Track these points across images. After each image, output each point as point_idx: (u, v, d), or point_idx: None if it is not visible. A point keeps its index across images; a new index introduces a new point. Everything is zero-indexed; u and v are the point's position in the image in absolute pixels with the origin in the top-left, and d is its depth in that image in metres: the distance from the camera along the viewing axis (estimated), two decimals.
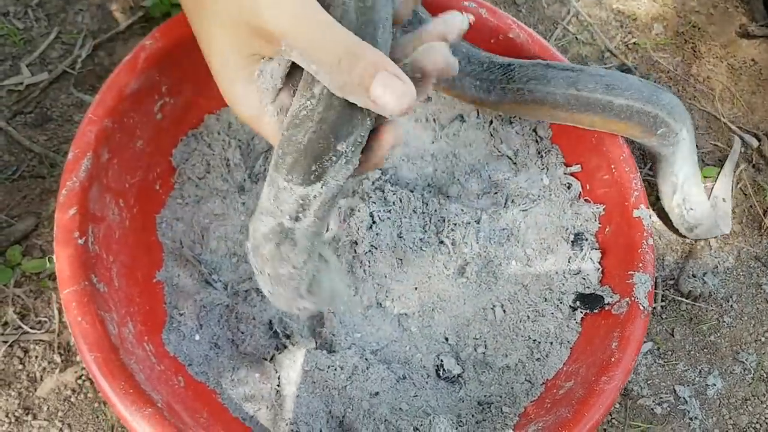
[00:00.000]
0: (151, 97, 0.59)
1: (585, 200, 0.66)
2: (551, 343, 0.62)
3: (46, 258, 0.68)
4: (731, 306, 0.76)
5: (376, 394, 0.60)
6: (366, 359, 0.62)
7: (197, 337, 0.62)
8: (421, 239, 0.65)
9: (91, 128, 0.54)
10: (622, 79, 0.60)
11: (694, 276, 0.75)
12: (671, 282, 0.76)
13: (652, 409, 0.70)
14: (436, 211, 0.66)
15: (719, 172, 0.81)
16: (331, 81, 0.35)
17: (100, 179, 0.54)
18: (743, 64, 0.91)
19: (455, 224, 0.65)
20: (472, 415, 0.59)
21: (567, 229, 0.65)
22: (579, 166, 0.66)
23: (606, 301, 0.59)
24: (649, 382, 0.72)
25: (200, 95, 0.65)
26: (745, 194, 0.83)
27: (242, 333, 0.62)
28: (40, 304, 0.67)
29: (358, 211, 0.64)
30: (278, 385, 0.60)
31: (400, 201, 0.65)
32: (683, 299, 0.74)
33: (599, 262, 0.63)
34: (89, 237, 0.52)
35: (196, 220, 0.65)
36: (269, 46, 0.37)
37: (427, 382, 0.62)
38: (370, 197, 0.65)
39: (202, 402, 0.57)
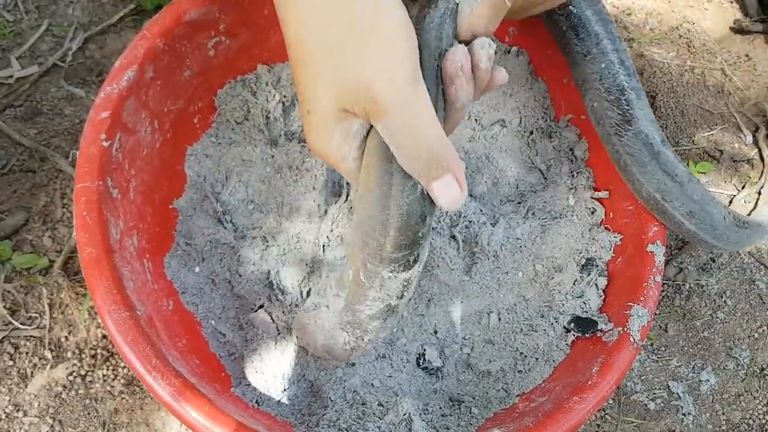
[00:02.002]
0: (207, 32, 0.61)
1: (605, 228, 0.64)
2: (537, 359, 0.61)
3: (37, 253, 0.67)
4: (725, 302, 0.75)
5: (353, 365, 0.60)
6: None
7: (197, 269, 0.63)
8: (432, 228, 0.65)
9: (142, 43, 0.56)
10: (709, 209, 0.56)
11: (686, 269, 0.74)
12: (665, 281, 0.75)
13: (645, 404, 0.69)
14: None
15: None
16: (409, 164, 0.41)
17: (139, 94, 0.57)
18: (737, 60, 0.90)
19: (470, 221, 0.65)
20: (440, 408, 0.59)
21: (580, 252, 0.64)
22: (607, 192, 0.65)
23: (599, 327, 0.58)
24: (642, 377, 0.71)
25: (256, 44, 0.67)
26: (738, 189, 0.82)
27: (240, 276, 0.63)
28: (30, 300, 0.67)
29: None
30: (260, 333, 0.61)
31: None
32: (676, 293, 0.73)
33: (603, 290, 0.62)
34: (115, 143, 0.54)
35: (224, 161, 0.67)
36: (366, 113, 0.41)
37: (404, 367, 0.62)
38: None
39: (184, 329, 0.59)
